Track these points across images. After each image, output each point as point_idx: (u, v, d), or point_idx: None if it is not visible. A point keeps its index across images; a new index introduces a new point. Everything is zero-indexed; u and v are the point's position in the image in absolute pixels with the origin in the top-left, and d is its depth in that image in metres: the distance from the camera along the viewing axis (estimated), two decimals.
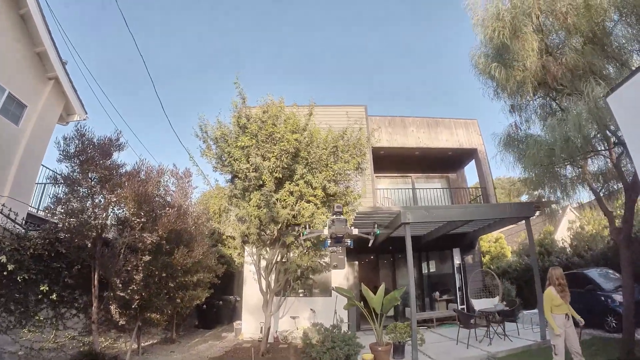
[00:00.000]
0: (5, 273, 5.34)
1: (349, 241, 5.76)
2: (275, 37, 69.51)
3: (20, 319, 5.83)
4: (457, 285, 13.21)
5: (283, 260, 9.08)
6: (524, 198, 28.23)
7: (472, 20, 8.67)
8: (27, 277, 5.58)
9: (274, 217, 7.82)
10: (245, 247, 10.00)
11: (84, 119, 10.59)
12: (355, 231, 5.84)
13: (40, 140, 9.26)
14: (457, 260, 13.48)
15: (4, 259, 5.26)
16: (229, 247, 10.86)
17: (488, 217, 10.17)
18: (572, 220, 16.96)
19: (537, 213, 9.83)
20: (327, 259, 10.49)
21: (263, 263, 9.34)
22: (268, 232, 8.45)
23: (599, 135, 7.65)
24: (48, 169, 9.56)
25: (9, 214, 6.31)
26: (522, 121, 9.22)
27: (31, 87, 9.01)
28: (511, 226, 16.99)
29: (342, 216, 5.73)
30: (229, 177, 9.03)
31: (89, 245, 6.27)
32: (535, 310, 10.12)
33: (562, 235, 16.75)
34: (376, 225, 6.22)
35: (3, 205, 6.45)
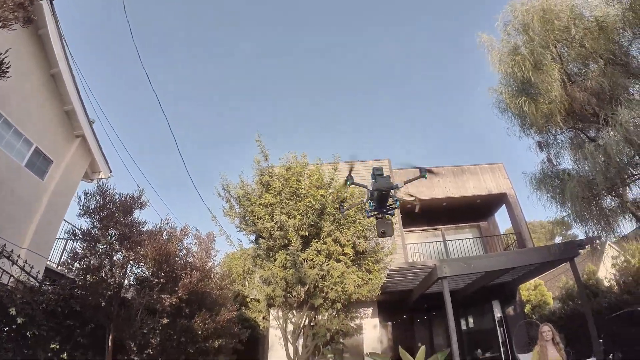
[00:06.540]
0: (14, 327, 5.08)
1: (395, 200, 4.82)
2: (291, 93, 72.73)
3: None
4: (500, 340, 12.13)
5: (311, 324, 8.52)
6: (558, 240, 26.98)
7: (489, 56, 8.78)
8: (37, 333, 5.27)
9: (302, 277, 7.40)
10: (271, 311, 9.46)
11: (109, 177, 10.68)
12: (401, 183, 4.86)
13: (63, 195, 9.30)
14: (497, 313, 12.51)
15: (13, 311, 4.98)
16: (253, 311, 10.27)
17: (531, 263, 9.47)
18: (614, 256, 15.78)
19: (582, 251, 9.15)
20: (358, 321, 9.78)
21: (290, 327, 8.78)
22: (295, 294, 7.99)
23: (634, 159, 7.33)
24: (69, 223, 9.55)
25: (23, 266, 6.11)
26: (552, 157, 8.99)
27: (58, 143, 9.24)
28: (550, 271, 15.96)
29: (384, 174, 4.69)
30: (252, 237, 8.78)
31: (105, 304, 5.97)
32: None
33: (606, 274, 15.53)
34: (423, 171, 4.89)
35: (18, 256, 6.27)
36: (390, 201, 4.88)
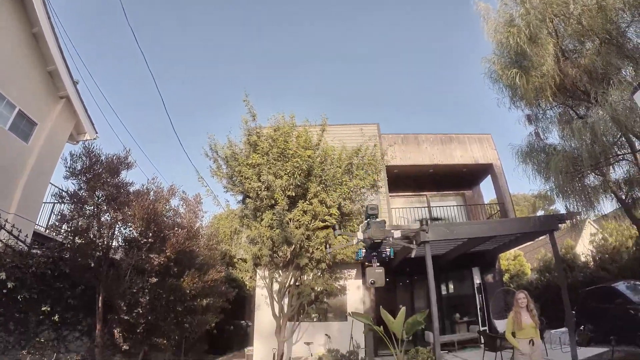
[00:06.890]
0: (5, 291, 5.13)
1: (388, 250, 4.62)
2: (282, 56, 71.06)
3: (20, 339, 5.50)
4: (478, 305, 12.58)
5: (297, 284, 8.71)
6: (540, 213, 27.64)
7: (485, 26, 8.68)
8: (28, 297, 5.36)
9: (288, 237, 7.51)
10: (257, 270, 9.66)
11: (94, 138, 10.51)
12: (398, 233, 4.67)
13: (49, 158, 9.14)
14: (477, 280, 12.89)
15: (3, 275, 5.07)
16: (240, 270, 10.49)
17: (512, 232, 9.72)
18: (593, 233, 16.35)
19: (562, 226, 9.41)
20: (342, 282, 10.07)
21: (275, 287, 8.97)
22: (281, 253, 8.13)
23: (621, 140, 7.46)
24: (55, 186, 9.46)
25: (11, 230, 6.11)
26: (540, 131, 9.09)
27: (42, 105, 8.95)
28: (529, 242, 16.46)
29: (377, 218, 4.41)
30: (240, 198, 8.80)
31: (94, 265, 6.00)
32: (564, 329, 9.57)
33: (583, 249, 16.11)
34: (426, 222, 4.91)
35: (6, 221, 6.25)
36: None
